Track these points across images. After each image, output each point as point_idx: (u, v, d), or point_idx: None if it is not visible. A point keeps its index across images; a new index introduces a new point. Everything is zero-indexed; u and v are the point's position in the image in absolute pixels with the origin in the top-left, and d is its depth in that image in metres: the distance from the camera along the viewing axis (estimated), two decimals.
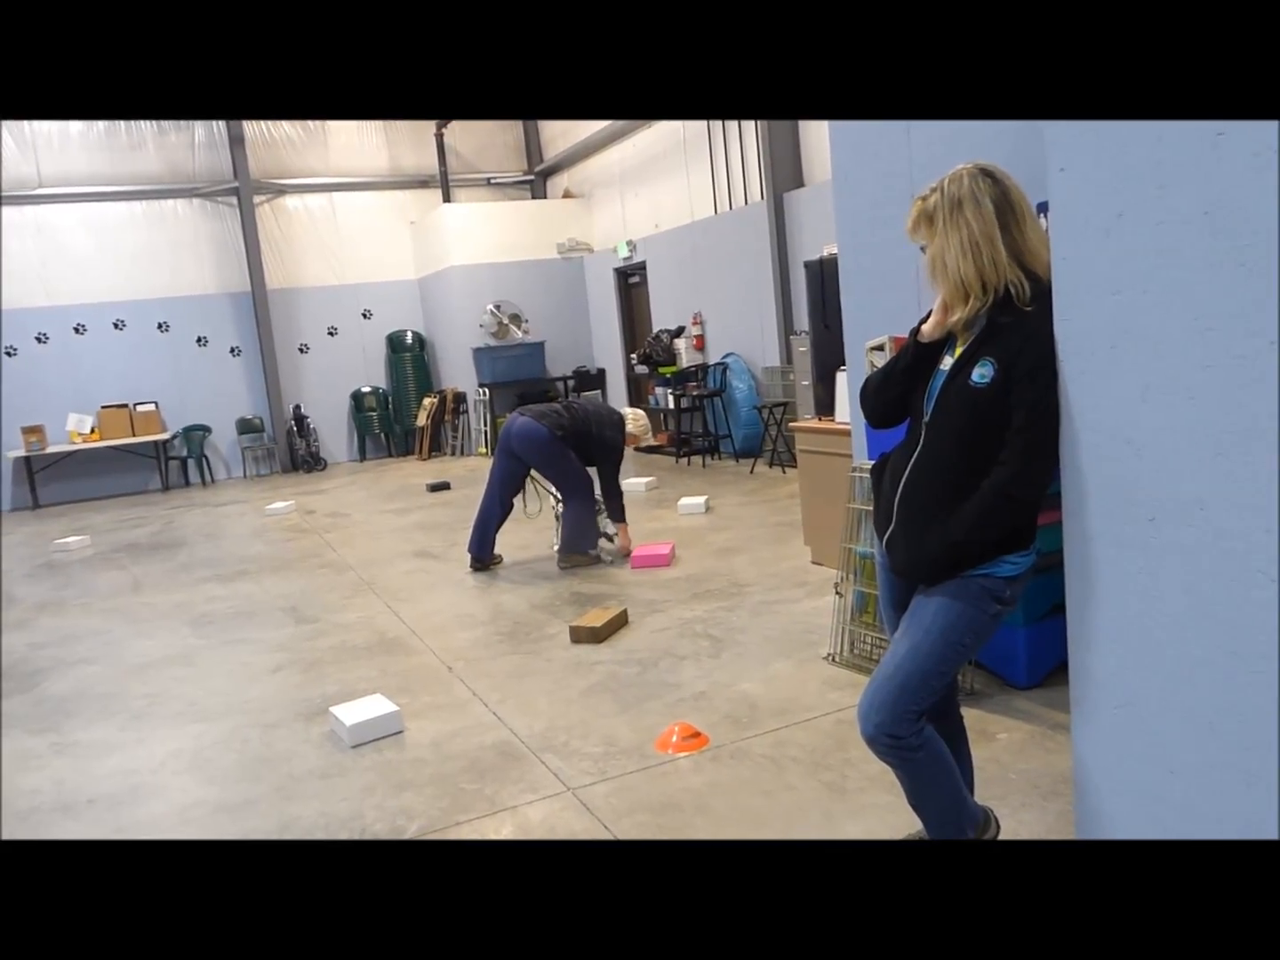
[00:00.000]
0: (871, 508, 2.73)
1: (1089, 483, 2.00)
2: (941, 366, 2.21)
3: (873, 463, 2.44)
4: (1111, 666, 2.03)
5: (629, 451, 7.00)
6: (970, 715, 3.29)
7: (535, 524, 6.82)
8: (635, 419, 6.47)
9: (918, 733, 2.17)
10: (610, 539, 6.37)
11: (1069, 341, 1.99)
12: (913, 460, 2.22)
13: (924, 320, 2.24)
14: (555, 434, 6.04)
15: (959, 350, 2.18)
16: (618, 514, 6.29)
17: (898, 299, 3.92)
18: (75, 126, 12.38)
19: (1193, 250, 1.72)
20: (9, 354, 12.21)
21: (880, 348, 3.49)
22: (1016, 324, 2.07)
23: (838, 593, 4.15)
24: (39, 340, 12.36)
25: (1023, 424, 2.05)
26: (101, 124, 12.47)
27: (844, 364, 4.69)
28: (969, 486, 2.11)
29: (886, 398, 2.33)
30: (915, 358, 2.24)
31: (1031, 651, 3.58)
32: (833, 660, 4.14)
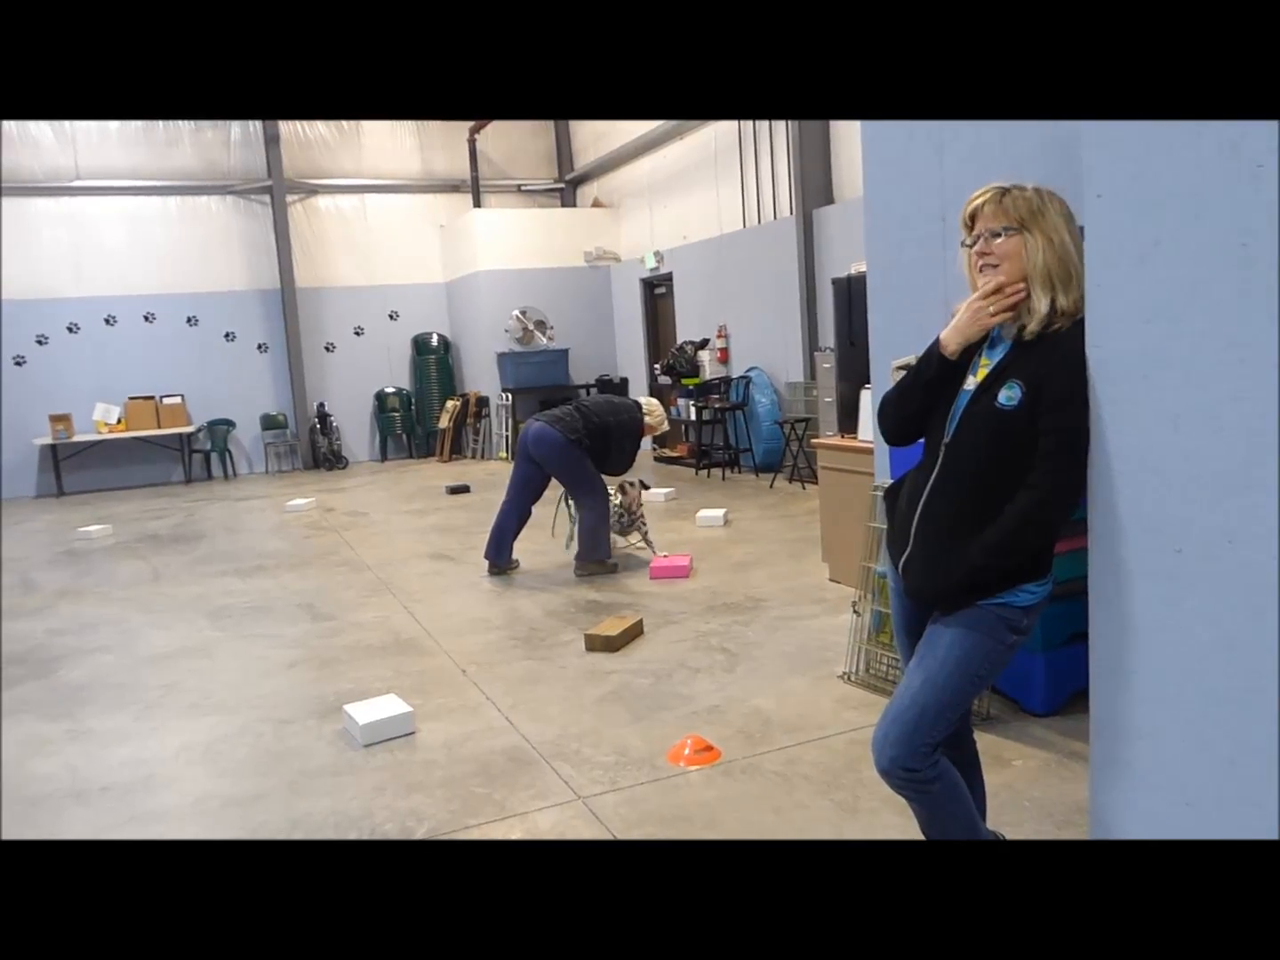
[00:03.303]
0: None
1: (1116, 511, 1.98)
2: (965, 387, 2.18)
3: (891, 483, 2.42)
4: (1133, 697, 2.01)
5: (648, 463, 7.00)
6: (986, 740, 3.28)
7: (551, 531, 6.83)
8: (650, 410, 6.43)
9: (933, 765, 2.14)
10: (645, 537, 6.44)
11: (1101, 369, 1.98)
12: (931, 481, 2.18)
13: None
14: (570, 439, 6.03)
15: (982, 372, 2.15)
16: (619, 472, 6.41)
17: (926, 318, 3.90)
18: (114, 122, 12.53)
19: (1227, 280, 1.71)
20: (39, 343, 12.35)
21: (906, 367, 3.47)
22: (1048, 348, 2.05)
23: (855, 611, 4.13)
24: (70, 330, 12.51)
25: (1053, 448, 2.03)
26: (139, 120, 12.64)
27: (869, 381, 4.68)
28: (991, 509, 2.08)
29: (906, 413, 2.30)
30: (940, 372, 2.21)
31: (1050, 678, 3.56)
32: (848, 679, 4.13)
